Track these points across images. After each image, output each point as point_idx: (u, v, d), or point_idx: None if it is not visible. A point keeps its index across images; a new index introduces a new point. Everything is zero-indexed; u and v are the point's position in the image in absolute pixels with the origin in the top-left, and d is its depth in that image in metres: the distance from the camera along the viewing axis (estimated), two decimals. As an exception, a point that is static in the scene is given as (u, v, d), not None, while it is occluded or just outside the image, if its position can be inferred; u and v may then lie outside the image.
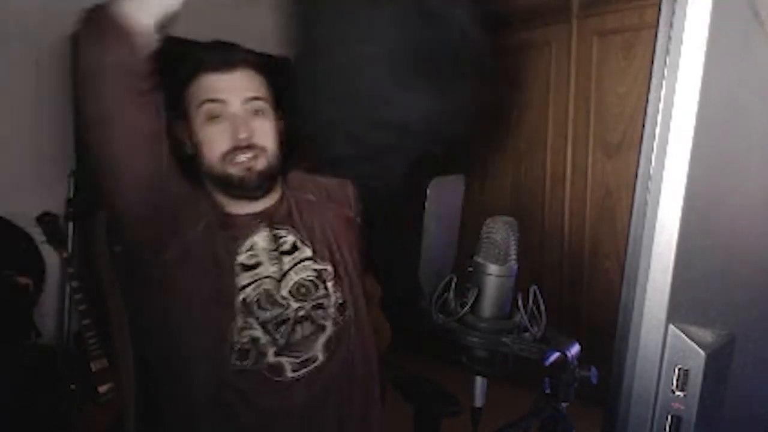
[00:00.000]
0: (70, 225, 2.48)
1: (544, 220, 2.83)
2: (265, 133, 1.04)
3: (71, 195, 2.54)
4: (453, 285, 0.58)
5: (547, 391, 0.56)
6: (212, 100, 1.01)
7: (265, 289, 1.02)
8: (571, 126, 2.71)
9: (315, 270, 1.08)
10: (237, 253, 1.03)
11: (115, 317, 1.10)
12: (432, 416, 1.16)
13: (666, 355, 0.46)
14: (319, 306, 1.06)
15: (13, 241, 2.27)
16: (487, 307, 0.56)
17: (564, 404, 0.56)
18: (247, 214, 1.07)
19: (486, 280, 0.55)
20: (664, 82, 0.44)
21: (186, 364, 1.00)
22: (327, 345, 1.04)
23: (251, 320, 1.00)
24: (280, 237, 1.08)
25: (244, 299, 1.01)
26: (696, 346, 0.45)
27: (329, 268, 1.10)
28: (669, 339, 0.45)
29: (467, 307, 0.55)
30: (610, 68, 2.58)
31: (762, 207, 0.52)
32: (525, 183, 2.89)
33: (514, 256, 0.57)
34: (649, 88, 0.45)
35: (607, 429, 0.49)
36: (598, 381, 0.54)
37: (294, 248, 1.08)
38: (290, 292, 1.04)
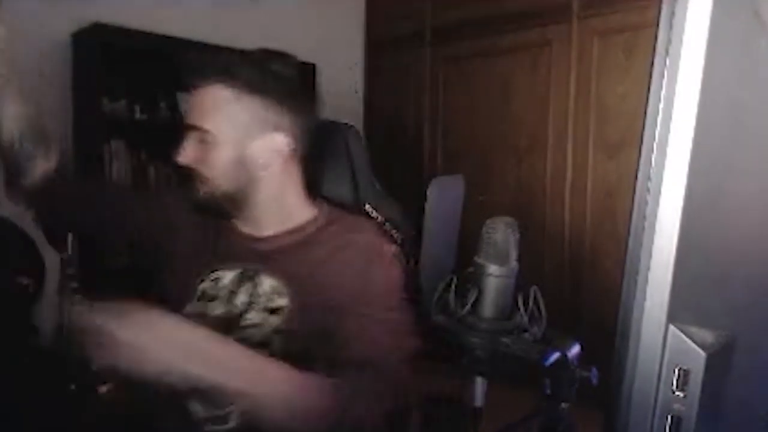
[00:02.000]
0: (70, 225, 2.48)
1: (544, 220, 2.82)
2: (206, 162, 0.96)
3: (71, 195, 2.54)
4: (453, 285, 0.58)
5: (548, 392, 0.56)
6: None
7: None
8: (572, 126, 2.72)
9: (268, 340, 0.96)
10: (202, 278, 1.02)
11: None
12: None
13: (666, 356, 0.46)
14: None
15: (13, 241, 2.27)
16: (488, 307, 0.56)
17: (565, 405, 0.56)
18: (246, 237, 1.04)
19: (486, 280, 0.55)
20: (664, 83, 0.44)
21: None
22: (243, 414, 0.92)
23: None
24: (278, 293, 0.97)
25: None
26: (696, 347, 0.45)
27: (286, 346, 0.96)
28: (669, 339, 0.45)
29: (467, 307, 0.55)
30: (611, 68, 2.58)
31: (762, 207, 0.52)
32: (525, 183, 2.89)
33: (514, 257, 0.57)
34: (649, 88, 0.45)
35: (608, 429, 0.49)
36: (598, 381, 0.54)
37: (276, 311, 0.98)
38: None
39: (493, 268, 0.55)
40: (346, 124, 1.22)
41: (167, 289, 1.05)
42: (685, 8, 0.43)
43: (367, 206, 1.08)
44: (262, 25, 2.98)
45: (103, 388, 2.01)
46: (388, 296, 0.95)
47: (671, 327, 0.45)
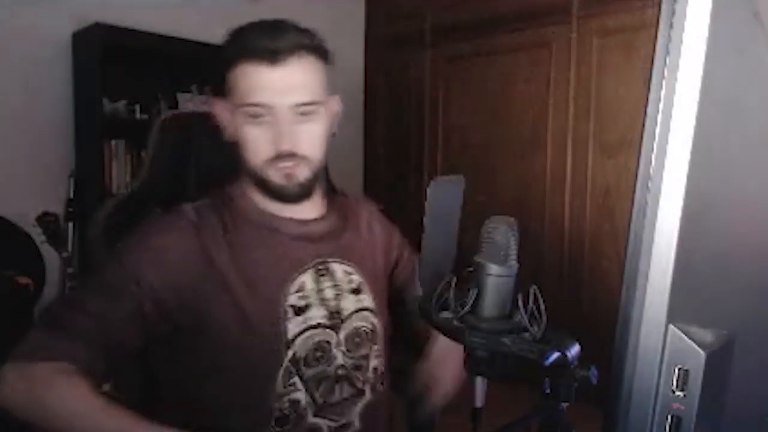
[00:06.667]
0: (70, 225, 2.48)
1: (544, 219, 2.83)
2: (312, 140, 0.91)
3: (71, 195, 2.54)
4: (453, 285, 0.58)
5: (547, 391, 0.56)
6: (254, 104, 0.87)
7: (317, 342, 0.93)
8: (572, 126, 2.72)
9: (372, 323, 0.99)
10: (288, 291, 0.92)
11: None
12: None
13: (666, 355, 0.46)
14: (359, 367, 0.97)
15: (13, 241, 2.27)
16: (488, 307, 0.55)
17: (564, 404, 0.56)
18: (297, 236, 0.96)
19: (486, 280, 0.55)
20: (664, 82, 0.44)
21: (215, 419, 0.89)
22: (364, 413, 0.96)
23: (295, 379, 0.91)
24: (349, 273, 0.99)
25: (294, 354, 0.91)
26: (696, 346, 0.45)
27: (379, 322, 1.01)
28: (669, 339, 0.45)
29: (467, 307, 0.55)
30: (610, 68, 2.58)
31: (762, 207, 0.52)
32: (525, 183, 2.89)
33: (514, 256, 0.56)
34: (649, 88, 0.45)
35: (607, 429, 0.49)
36: (598, 381, 0.54)
37: (358, 290, 0.99)
38: (343, 343, 0.95)
39: (493, 268, 0.55)
40: None
41: (245, 320, 0.89)
42: (685, 8, 0.43)
43: None
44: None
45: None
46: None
47: (671, 326, 0.45)
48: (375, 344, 0.99)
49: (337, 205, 1.05)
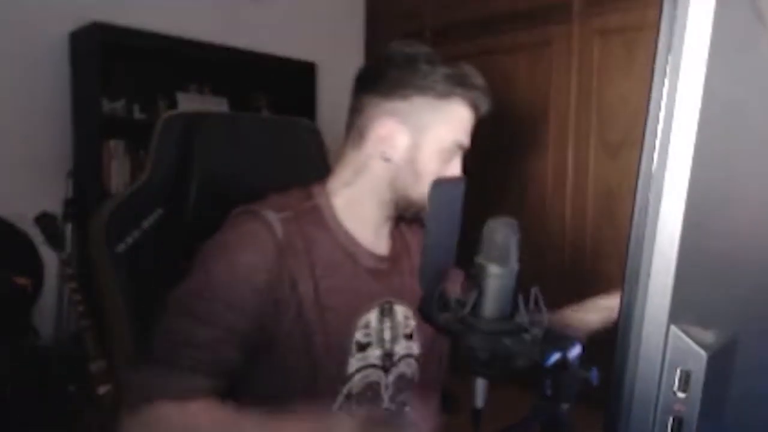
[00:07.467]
0: (69, 225, 2.48)
1: (545, 220, 2.82)
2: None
3: (70, 195, 2.54)
4: (453, 285, 0.58)
5: (548, 393, 0.56)
6: (461, 146, 0.99)
7: (369, 381, 0.95)
8: (573, 125, 2.71)
9: (414, 370, 1.01)
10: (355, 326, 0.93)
11: (113, 318, 1.09)
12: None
13: (667, 356, 0.45)
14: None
15: (12, 242, 2.27)
16: (488, 308, 0.55)
17: (565, 406, 0.56)
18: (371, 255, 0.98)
19: (487, 281, 0.55)
20: (666, 81, 0.44)
21: None
22: None
23: None
24: (407, 317, 1.00)
25: (349, 391, 0.93)
26: (698, 347, 0.44)
27: (419, 371, 1.02)
28: (670, 340, 0.45)
29: (468, 308, 0.55)
30: (612, 68, 2.57)
31: (765, 207, 0.52)
32: (526, 183, 2.89)
33: (515, 257, 0.56)
34: (650, 87, 0.45)
35: (608, 430, 0.48)
36: (599, 382, 0.54)
37: (411, 335, 1.00)
38: (390, 386, 0.98)
39: (493, 269, 0.55)
40: (303, 119, 1.31)
41: (313, 351, 0.89)
42: (687, 7, 0.43)
43: None
44: (262, 25, 2.98)
45: (102, 389, 2.00)
46: None
47: (672, 327, 0.45)
48: (410, 392, 1.01)
49: (398, 232, 1.06)
